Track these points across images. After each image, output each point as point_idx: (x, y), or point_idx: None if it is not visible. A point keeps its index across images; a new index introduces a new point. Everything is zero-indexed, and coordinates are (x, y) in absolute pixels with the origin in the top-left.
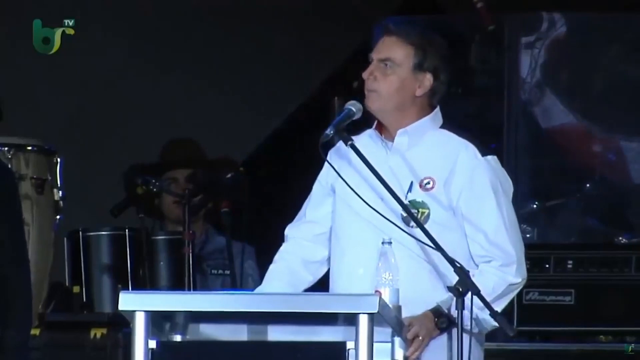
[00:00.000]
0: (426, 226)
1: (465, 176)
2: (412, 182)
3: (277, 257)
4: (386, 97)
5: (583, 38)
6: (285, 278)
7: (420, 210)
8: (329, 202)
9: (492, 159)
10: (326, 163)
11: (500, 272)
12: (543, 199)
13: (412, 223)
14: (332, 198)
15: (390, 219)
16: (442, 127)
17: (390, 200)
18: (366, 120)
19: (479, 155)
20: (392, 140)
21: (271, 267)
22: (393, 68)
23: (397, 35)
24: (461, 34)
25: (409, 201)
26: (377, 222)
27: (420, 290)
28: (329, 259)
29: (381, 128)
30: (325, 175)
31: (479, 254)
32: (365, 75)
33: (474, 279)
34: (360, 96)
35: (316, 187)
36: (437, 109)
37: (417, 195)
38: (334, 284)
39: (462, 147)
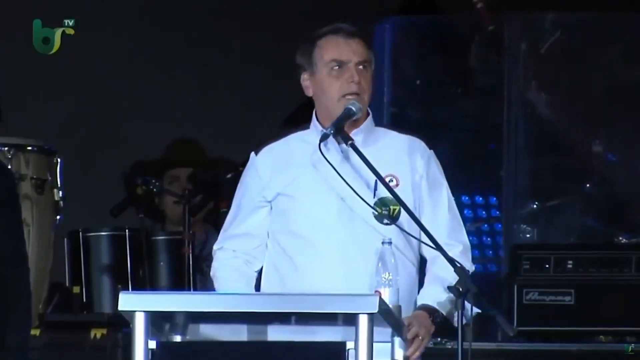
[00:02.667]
0: (397, 223)
1: (422, 169)
2: (376, 181)
3: (216, 265)
4: (367, 99)
5: (583, 38)
6: (240, 279)
7: (391, 207)
8: (261, 212)
9: (433, 152)
10: (253, 175)
11: (461, 260)
12: (543, 199)
13: (385, 220)
14: (266, 208)
15: (362, 220)
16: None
17: (357, 199)
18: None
19: (427, 148)
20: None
21: (219, 274)
22: (367, 69)
23: (360, 38)
24: (461, 34)
25: (379, 199)
26: (356, 212)
27: (404, 287)
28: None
29: None
30: (258, 186)
31: (440, 242)
32: (354, 79)
33: (439, 268)
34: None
35: (245, 199)
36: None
37: (384, 193)
38: (302, 284)
39: (415, 142)
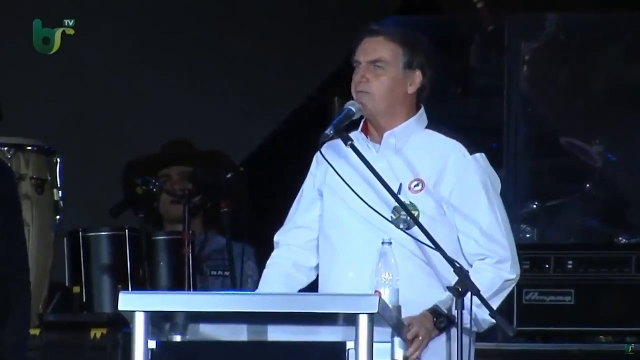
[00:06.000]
0: (414, 229)
1: (455, 176)
2: (400, 185)
3: (269, 262)
4: (379, 98)
5: (583, 38)
6: (280, 280)
7: (410, 212)
8: (317, 206)
9: (480, 156)
10: (312, 168)
11: (496, 269)
12: (543, 199)
13: (402, 225)
14: (320, 202)
15: (380, 223)
16: (427, 127)
17: (382, 202)
18: (353, 122)
19: (467, 154)
20: (379, 142)
21: (265, 272)
22: (384, 68)
23: (383, 35)
24: (461, 34)
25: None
26: (373, 222)
27: (417, 290)
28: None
29: (367, 130)
30: (313, 180)
31: (473, 251)
32: (357, 78)
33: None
34: None
35: (305, 191)
36: (422, 109)
37: (406, 197)
38: (324, 286)
39: (451, 147)
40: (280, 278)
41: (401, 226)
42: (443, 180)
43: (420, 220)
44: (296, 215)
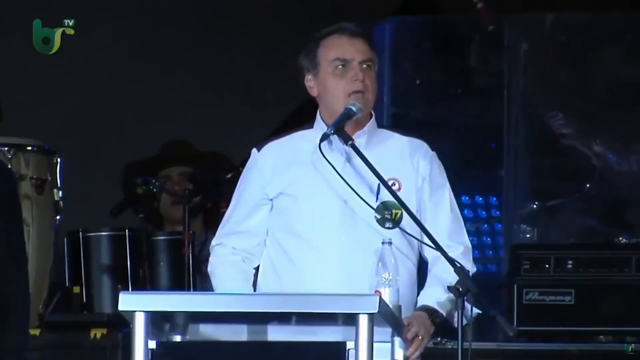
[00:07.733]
0: (400, 226)
1: (425, 170)
2: (379, 185)
3: (216, 262)
4: (371, 98)
5: (583, 38)
6: (240, 277)
7: (393, 211)
8: (263, 210)
9: (435, 153)
10: (252, 173)
11: (462, 262)
12: (543, 199)
13: (387, 224)
14: (267, 206)
15: (363, 222)
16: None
17: (360, 201)
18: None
19: (430, 149)
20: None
21: (217, 271)
22: (371, 69)
23: (363, 37)
24: (461, 34)
25: (382, 203)
26: (361, 216)
27: (406, 289)
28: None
29: None
30: (260, 184)
31: (441, 242)
32: (359, 77)
33: (440, 269)
34: None
35: (246, 196)
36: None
37: (387, 196)
38: (303, 285)
39: (417, 144)
40: (239, 274)
41: (387, 225)
42: (416, 178)
43: (403, 219)
44: (235, 221)
